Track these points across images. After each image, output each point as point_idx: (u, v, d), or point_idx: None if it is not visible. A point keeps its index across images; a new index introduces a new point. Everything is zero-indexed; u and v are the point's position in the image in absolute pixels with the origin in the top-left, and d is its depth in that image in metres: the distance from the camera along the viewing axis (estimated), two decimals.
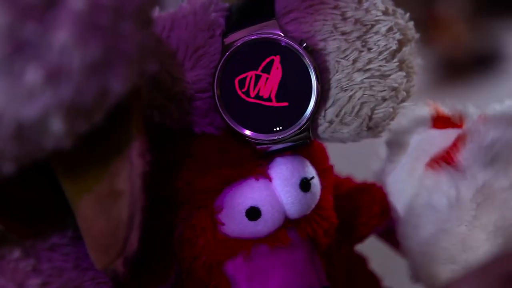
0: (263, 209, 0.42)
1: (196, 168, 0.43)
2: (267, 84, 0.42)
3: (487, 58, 1.93)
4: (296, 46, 0.42)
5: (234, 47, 0.42)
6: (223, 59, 0.42)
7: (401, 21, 0.44)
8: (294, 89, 0.42)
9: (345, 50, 0.42)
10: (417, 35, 0.45)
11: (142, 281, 0.42)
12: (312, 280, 0.44)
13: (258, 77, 0.42)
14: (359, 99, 0.42)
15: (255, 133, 0.42)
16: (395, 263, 0.52)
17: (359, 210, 0.49)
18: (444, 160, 0.45)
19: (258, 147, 0.43)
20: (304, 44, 0.42)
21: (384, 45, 0.42)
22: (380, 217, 0.49)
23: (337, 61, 0.42)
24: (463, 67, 1.92)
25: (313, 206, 0.44)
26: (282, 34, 0.42)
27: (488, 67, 1.88)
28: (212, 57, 0.43)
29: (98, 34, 0.28)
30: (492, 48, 1.97)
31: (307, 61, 0.42)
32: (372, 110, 0.43)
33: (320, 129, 0.44)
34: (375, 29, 0.43)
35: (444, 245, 0.44)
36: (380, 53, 0.42)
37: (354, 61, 0.42)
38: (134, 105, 0.34)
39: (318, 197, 0.44)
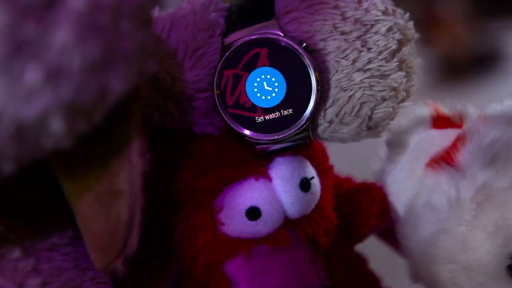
0: (263, 209, 0.42)
1: (196, 168, 0.43)
2: None
3: (487, 58, 1.93)
4: (296, 46, 0.42)
5: (234, 47, 0.42)
6: (222, 59, 0.42)
7: (401, 21, 0.44)
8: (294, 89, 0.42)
9: (344, 50, 0.42)
10: (417, 35, 0.45)
11: (142, 280, 0.42)
12: (312, 280, 0.44)
13: None
14: (359, 99, 0.42)
15: (255, 133, 0.42)
16: (395, 263, 0.52)
17: (359, 210, 0.49)
18: (444, 160, 0.45)
19: (258, 147, 0.43)
20: (304, 44, 0.42)
21: (384, 45, 0.42)
22: (380, 217, 0.49)
23: (336, 61, 0.42)
24: (463, 67, 1.92)
25: (313, 206, 0.44)
26: (282, 34, 0.42)
27: (488, 67, 1.88)
28: (212, 57, 0.43)
29: (97, 34, 0.28)
30: (492, 48, 1.96)
31: (307, 61, 0.42)
32: (372, 110, 0.43)
33: (320, 129, 0.44)
34: (375, 29, 0.43)
35: (444, 245, 0.44)
36: (380, 53, 0.42)
37: (354, 61, 0.42)
38: (134, 105, 0.34)
39: (318, 197, 0.44)
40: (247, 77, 0.42)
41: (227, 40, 0.43)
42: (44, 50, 0.28)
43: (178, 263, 0.43)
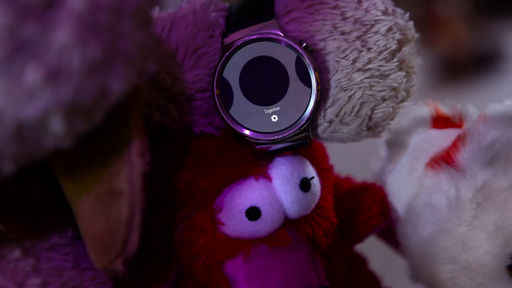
0: (263, 209, 0.42)
1: (196, 168, 0.43)
2: None
3: (487, 58, 1.93)
4: (296, 46, 0.42)
5: (233, 47, 0.42)
6: (222, 59, 0.42)
7: (401, 21, 0.44)
8: None
9: (344, 50, 0.42)
10: (417, 35, 0.45)
11: (142, 280, 0.42)
12: (312, 280, 0.44)
13: None
14: (359, 99, 0.42)
15: (255, 133, 0.42)
16: (395, 263, 0.52)
17: (359, 210, 0.49)
18: (444, 160, 0.45)
19: (258, 147, 0.43)
20: (304, 44, 0.42)
21: (384, 45, 0.42)
22: (380, 217, 0.49)
23: (336, 61, 0.42)
24: (463, 67, 1.92)
25: (313, 206, 0.44)
26: (282, 34, 0.42)
27: (488, 67, 1.89)
28: (212, 57, 0.43)
29: (97, 34, 0.28)
30: (492, 48, 1.97)
31: (307, 61, 0.42)
32: (372, 110, 0.43)
33: (320, 129, 0.44)
34: (374, 29, 0.43)
35: (444, 245, 0.44)
36: (380, 53, 0.42)
37: (354, 61, 0.42)
38: (134, 105, 0.34)
39: (318, 197, 0.44)
40: None
41: (227, 40, 0.43)
42: (44, 50, 0.28)
43: (178, 263, 0.43)
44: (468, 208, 0.44)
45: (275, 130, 0.42)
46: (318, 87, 0.42)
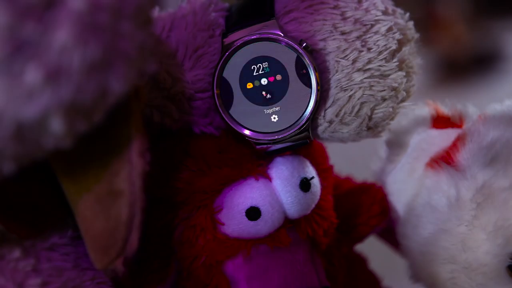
0: (263, 209, 0.42)
1: (196, 168, 0.43)
2: None
3: (487, 58, 1.93)
4: (295, 46, 0.42)
5: (233, 47, 0.42)
6: (222, 59, 0.42)
7: (401, 21, 0.44)
8: None
9: (344, 50, 0.42)
10: (417, 35, 0.45)
11: (142, 280, 0.42)
12: (312, 280, 0.44)
13: None
14: (359, 99, 0.42)
15: (255, 133, 0.42)
16: (395, 263, 0.52)
17: (359, 210, 0.49)
18: (444, 160, 0.45)
19: (258, 147, 0.43)
20: (304, 44, 0.42)
21: (384, 45, 0.42)
22: (380, 217, 0.49)
23: (336, 61, 0.42)
24: (463, 67, 1.92)
25: (313, 206, 0.44)
26: (282, 34, 0.42)
27: (488, 67, 1.89)
28: (212, 57, 0.43)
29: (97, 34, 0.28)
30: (492, 48, 1.97)
31: (307, 61, 0.42)
32: (372, 110, 0.43)
33: (320, 129, 0.44)
34: (374, 29, 0.43)
35: (444, 245, 0.44)
36: (380, 53, 0.42)
37: (354, 61, 0.42)
38: (134, 105, 0.34)
39: (318, 197, 0.44)
40: None
41: (227, 40, 0.43)
42: (44, 50, 0.28)
43: (178, 263, 0.43)
44: (468, 208, 0.44)
45: (275, 130, 0.42)
46: (318, 87, 0.42)
